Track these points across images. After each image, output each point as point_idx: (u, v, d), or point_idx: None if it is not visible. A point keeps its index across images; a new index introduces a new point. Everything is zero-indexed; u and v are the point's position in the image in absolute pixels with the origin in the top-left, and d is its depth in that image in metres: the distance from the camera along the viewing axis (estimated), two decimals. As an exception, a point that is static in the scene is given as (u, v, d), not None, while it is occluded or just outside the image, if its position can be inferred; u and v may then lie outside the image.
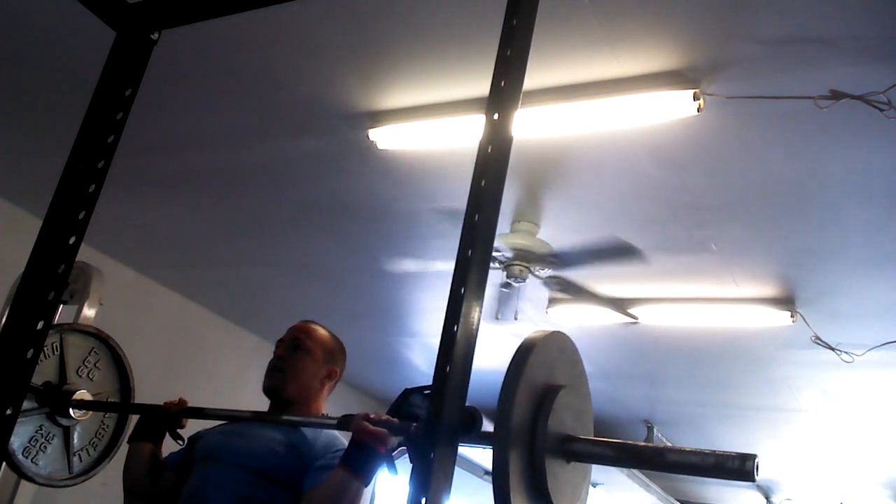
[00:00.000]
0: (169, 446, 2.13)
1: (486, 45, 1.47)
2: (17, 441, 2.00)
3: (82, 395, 2.10)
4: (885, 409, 4.95)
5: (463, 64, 2.62)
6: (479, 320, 1.16)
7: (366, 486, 1.74)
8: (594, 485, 7.36)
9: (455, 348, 1.10)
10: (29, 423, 2.03)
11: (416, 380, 1.91)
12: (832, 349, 4.03)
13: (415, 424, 1.62)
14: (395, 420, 1.65)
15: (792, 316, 3.85)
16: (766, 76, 2.41)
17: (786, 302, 3.83)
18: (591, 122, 2.71)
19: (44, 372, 2.05)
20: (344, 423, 1.73)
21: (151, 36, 1.64)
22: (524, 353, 1.28)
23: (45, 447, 2.06)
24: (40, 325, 1.43)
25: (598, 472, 6.80)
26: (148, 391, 2.36)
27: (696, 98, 2.48)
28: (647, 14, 2.28)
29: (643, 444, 1.38)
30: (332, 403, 2.21)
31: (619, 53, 2.44)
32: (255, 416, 1.97)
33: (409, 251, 4.09)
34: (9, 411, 1.38)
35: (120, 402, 2.25)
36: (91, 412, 2.15)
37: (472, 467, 6.97)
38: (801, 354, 4.33)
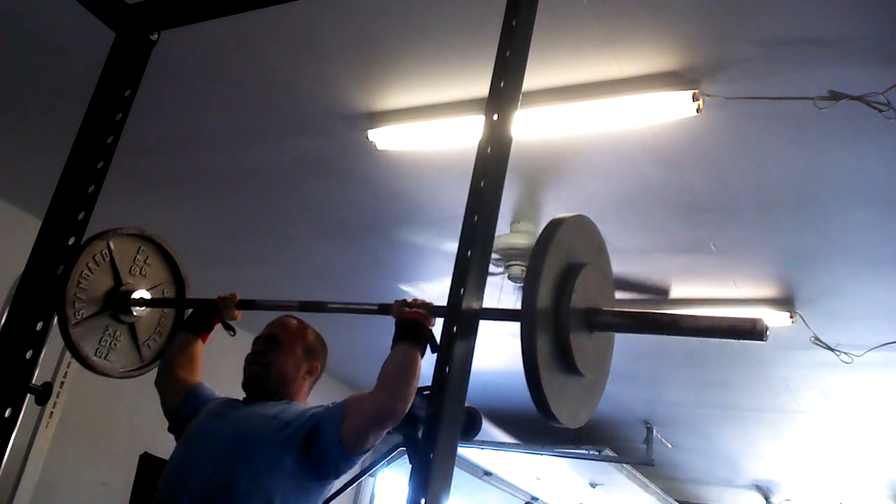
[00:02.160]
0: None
1: (486, 46, 1.47)
2: (88, 346, 2.14)
3: (140, 293, 2.24)
4: (885, 409, 4.95)
5: (462, 64, 2.62)
6: (478, 321, 1.16)
7: (422, 357, 1.83)
8: (593, 485, 7.36)
9: (454, 349, 1.10)
10: (96, 327, 2.17)
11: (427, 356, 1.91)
12: (831, 350, 4.03)
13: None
14: (431, 303, 1.84)
15: (791, 316, 3.85)
16: (766, 77, 2.41)
17: (785, 302, 3.83)
18: (591, 123, 2.71)
19: (98, 278, 2.16)
20: (384, 308, 1.89)
21: (151, 37, 1.64)
22: (549, 233, 1.36)
23: (115, 344, 2.22)
24: (39, 325, 1.43)
25: (598, 472, 6.73)
26: (148, 391, 2.36)
27: (695, 99, 2.48)
28: (647, 15, 2.28)
29: (661, 312, 1.45)
30: (323, 397, 2.19)
31: (619, 54, 2.44)
32: (302, 307, 2.08)
33: (409, 251, 4.09)
34: (8, 412, 1.38)
35: (175, 298, 2.38)
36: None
37: (472, 468, 6.97)
38: (801, 355, 4.32)
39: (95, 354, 2.16)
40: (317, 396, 2.16)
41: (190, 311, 2.33)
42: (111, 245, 2.20)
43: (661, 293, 4.04)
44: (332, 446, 1.89)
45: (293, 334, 2.20)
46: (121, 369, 2.24)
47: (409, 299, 1.88)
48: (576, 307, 1.35)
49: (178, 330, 2.30)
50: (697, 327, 1.43)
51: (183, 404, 2.15)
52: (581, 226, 1.51)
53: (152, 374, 2.27)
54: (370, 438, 1.90)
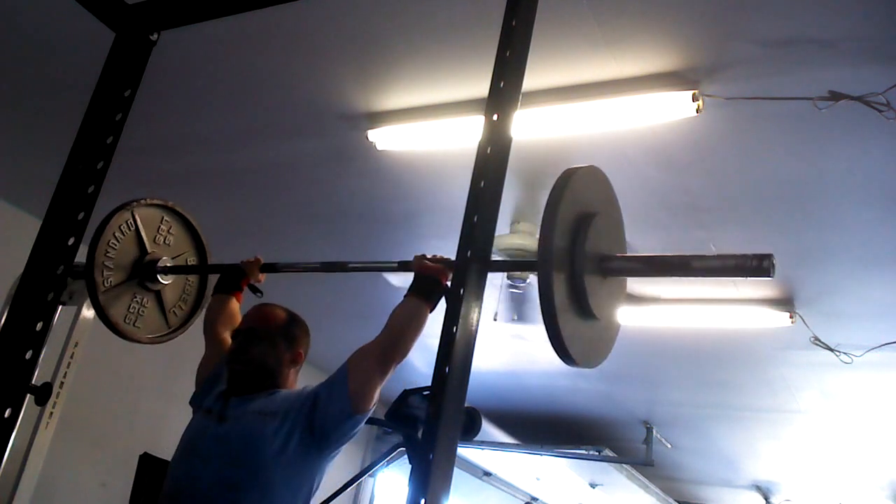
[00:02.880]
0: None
1: (486, 46, 1.47)
2: (116, 313, 2.22)
3: (165, 261, 2.31)
4: (885, 409, 4.95)
5: (462, 65, 2.62)
6: (478, 321, 1.16)
7: (430, 312, 1.90)
8: (593, 485, 7.37)
9: (454, 349, 1.10)
10: (123, 295, 2.24)
11: (416, 381, 1.92)
12: (831, 350, 4.03)
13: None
14: (451, 259, 1.85)
15: (791, 317, 3.85)
16: (765, 77, 2.41)
17: (785, 303, 3.83)
18: (591, 123, 2.71)
19: (124, 247, 2.24)
20: (404, 264, 1.96)
21: (150, 37, 1.64)
22: (563, 183, 1.42)
23: (143, 311, 2.30)
24: (39, 326, 1.43)
25: (598, 473, 6.73)
26: (147, 391, 2.37)
27: (695, 99, 2.48)
28: (646, 15, 2.28)
29: (671, 256, 1.53)
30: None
31: (618, 54, 2.44)
32: (325, 267, 2.21)
33: (409, 252, 4.07)
34: (8, 412, 1.38)
35: (199, 264, 2.45)
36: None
37: (472, 468, 6.97)
38: (800, 355, 4.32)
39: (124, 321, 2.24)
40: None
41: (217, 277, 2.42)
42: (136, 215, 2.27)
43: (660, 293, 4.04)
44: (341, 411, 1.91)
45: (272, 325, 2.15)
46: (148, 335, 2.31)
47: (430, 255, 1.94)
48: (589, 252, 1.42)
49: (212, 295, 2.39)
50: (706, 267, 1.52)
51: (206, 382, 2.20)
52: (594, 176, 1.59)
53: (151, 374, 2.28)
54: (376, 385, 1.95)
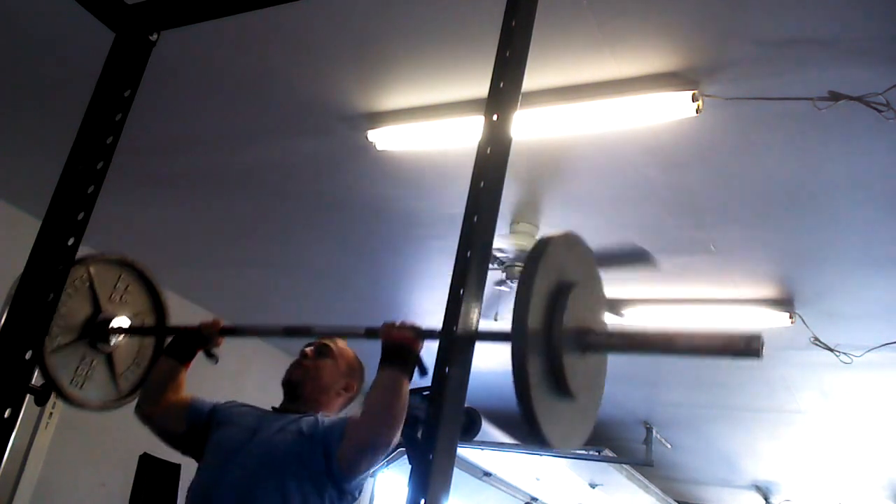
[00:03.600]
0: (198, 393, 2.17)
1: (486, 46, 1.47)
2: (63, 374, 2.06)
3: (119, 321, 2.16)
4: (884, 410, 4.95)
5: (462, 65, 2.62)
6: (478, 321, 1.16)
7: (409, 381, 1.82)
8: (593, 486, 7.36)
9: (454, 349, 1.10)
10: (72, 355, 2.09)
11: (415, 381, 1.91)
12: (831, 350, 4.03)
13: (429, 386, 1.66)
14: (419, 326, 1.80)
15: (791, 317, 3.85)
16: (765, 77, 2.41)
17: (784, 303, 3.83)
18: (590, 124, 2.71)
19: (76, 304, 2.10)
20: (371, 332, 1.85)
21: (150, 37, 1.64)
22: (539, 252, 1.32)
23: (91, 374, 2.13)
24: (39, 326, 1.43)
25: (597, 473, 6.75)
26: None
27: (694, 99, 2.48)
28: (646, 15, 2.28)
29: (654, 332, 1.42)
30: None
31: (618, 54, 2.44)
32: (286, 332, 2.03)
33: (408, 252, 4.09)
34: (8, 413, 1.38)
35: (155, 326, 2.30)
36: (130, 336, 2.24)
37: (471, 468, 6.97)
38: (800, 355, 4.32)
39: (71, 384, 2.08)
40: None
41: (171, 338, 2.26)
42: (91, 271, 2.14)
43: (660, 294, 4.04)
44: (334, 466, 1.93)
45: (341, 350, 2.24)
46: (96, 401, 2.15)
47: (398, 322, 1.85)
48: (568, 327, 1.32)
49: (161, 356, 2.22)
50: (691, 346, 1.39)
51: (189, 422, 2.15)
52: (572, 243, 1.47)
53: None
54: (363, 466, 1.92)
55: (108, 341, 2.15)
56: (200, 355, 2.23)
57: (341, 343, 2.26)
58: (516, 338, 1.22)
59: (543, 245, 1.34)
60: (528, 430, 1.24)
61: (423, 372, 1.81)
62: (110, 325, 2.14)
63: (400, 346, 1.82)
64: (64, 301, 2.03)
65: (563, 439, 1.36)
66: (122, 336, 2.17)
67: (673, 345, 1.39)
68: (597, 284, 1.52)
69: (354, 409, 2.05)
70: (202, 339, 2.17)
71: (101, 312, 2.14)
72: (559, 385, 1.31)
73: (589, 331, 1.39)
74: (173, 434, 2.18)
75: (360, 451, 1.89)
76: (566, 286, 1.36)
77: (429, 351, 1.76)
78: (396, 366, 1.82)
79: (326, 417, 2.07)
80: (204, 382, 2.28)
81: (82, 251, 1.51)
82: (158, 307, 2.32)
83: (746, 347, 1.27)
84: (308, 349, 2.22)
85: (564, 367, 1.30)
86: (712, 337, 1.34)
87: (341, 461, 1.91)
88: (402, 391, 1.81)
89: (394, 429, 1.83)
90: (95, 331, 2.13)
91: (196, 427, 2.14)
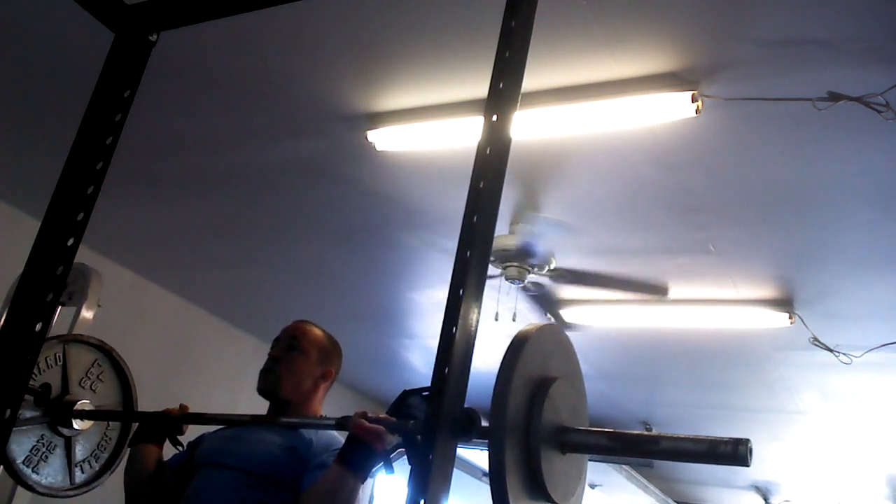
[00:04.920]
0: (168, 452, 2.13)
1: (485, 47, 1.47)
2: (18, 450, 1.99)
3: (83, 405, 2.09)
4: (884, 410, 4.95)
5: (462, 65, 2.62)
6: (477, 321, 1.16)
7: (362, 483, 1.73)
8: (592, 486, 7.36)
9: (454, 350, 1.09)
10: (30, 432, 2.03)
11: (415, 381, 1.91)
12: (830, 350, 4.03)
13: (412, 422, 1.62)
14: (393, 419, 1.66)
15: (790, 317, 3.85)
16: (765, 78, 2.41)
17: (784, 303, 3.83)
18: (590, 124, 2.71)
19: (46, 381, 2.05)
20: (342, 423, 1.73)
21: (150, 37, 1.64)
22: (518, 346, 1.28)
23: (47, 457, 2.06)
24: (38, 326, 1.43)
25: (597, 473, 6.76)
26: (146, 393, 2.36)
27: (694, 100, 2.48)
28: (646, 16, 2.28)
29: (637, 432, 1.39)
30: (330, 405, 2.21)
31: (618, 55, 2.44)
32: (254, 420, 1.97)
33: (408, 252, 4.09)
34: (7, 413, 1.37)
35: (121, 411, 2.24)
36: (93, 423, 2.15)
37: (471, 469, 6.96)
38: (800, 356, 4.33)
39: (23, 462, 2.00)
40: (327, 403, 2.18)
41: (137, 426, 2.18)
42: (66, 350, 2.10)
43: (660, 294, 4.04)
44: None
45: (309, 338, 2.17)
46: (45, 485, 2.06)
47: (371, 413, 1.72)
48: (547, 425, 1.28)
49: (140, 444, 2.12)
50: (676, 450, 1.32)
51: (176, 474, 2.10)
52: (553, 337, 1.43)
53: (151, 365, 2.25)
54: None
55: (70, 425, 2.08)
56: (197, 353, 2.22)
57: (310, 330, 2.19)
58: (494, 431, 1.19)
59: (525, 337, 1.30)
60: None
61: (390, 470, 1.72)
62: (75, 408, 2.07)
63: (363, 443, 1.69)
64: (34, 374, 1.98)
65: None
66: (84, 422, 2.10)
67: (657, 446, 1.34)
68: (578, 380, 1.47)
69: (342, 405, 2.04)
70: (168, 426, 2.08)
71: (68, 394, 2.08)
72: (537, 487, 1.26)
73: (569, 429, 1.34)
74: (166, 490, 2.09)
75: None
76: (546, 382, 1.31)
77: (426, 347, 1.76)
78: (350, 465, 1.71)
79: (322, 440, 2.00)
80: (203, 383, 2.28)
81: (82, 251, 1.51)
82: (128, 401, 2.26)
83: (733, 453, 1.23)
84: (274, 351, 2.15)
85: (543, 469, 1.25)
86: (698, 441, 1.28)
87: None
88: (345, 494, 1.71)
89: None
90: (59, 411, 2.06)
91: (182, 471, 2.08)
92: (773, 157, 2.81)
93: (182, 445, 2.12)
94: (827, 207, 3.03)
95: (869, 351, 3.93)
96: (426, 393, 1.62)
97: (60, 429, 2.07)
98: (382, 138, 3.00)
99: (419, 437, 1.88)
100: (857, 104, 2.38)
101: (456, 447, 1.12)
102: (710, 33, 2.32)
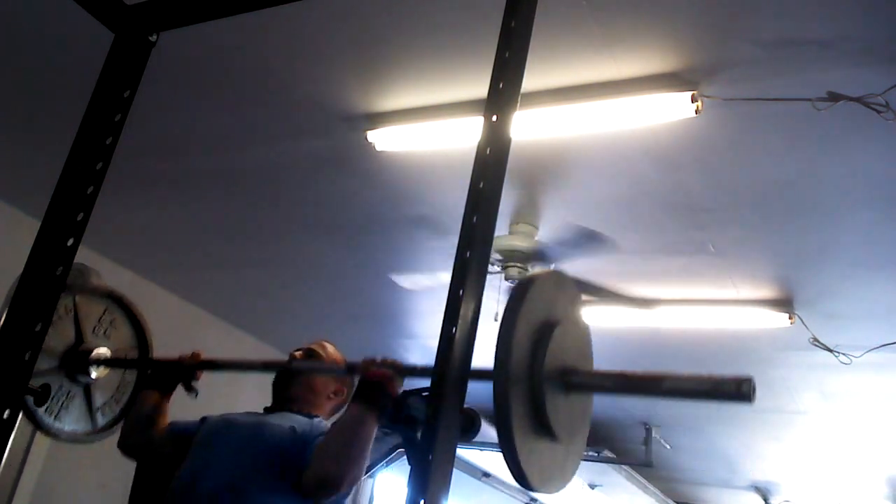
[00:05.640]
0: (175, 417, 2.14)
1: (485, 47, 1.48)
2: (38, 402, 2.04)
3: (99, 353, 2.12)
4: (884, 410, 4.95)
5: (461, 65, 2.62)
6: (477, 321, 1.16)
7: (378, 422, 1.78)
8: (592, 486, 7.36)
9: (453, 350, 1.10)
10: (50, 383, 2.06)
11: (415, 382, 1.91)
12: (830, 351, 4.03)
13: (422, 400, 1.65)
14: (400, 363, 1.76)
15: (790, 318, 3.85)
16: (764, 78, 2.42)
17: (784, 304, 3.83)
18: (590, 124, 2.71)
19: (59, 333, 2.08)
20: (352, 367, 1.85)
21: (150, 38, 1.64)
22: (522, 290, 1.30)
23: (68, 405, 2.10)
24: (38, 327, 1.43)
25: (597, 473, 6.75)
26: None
27: (693, 100, 2.49)
28: (646, 16, 2.28)
29: (641, 373, 1.39)
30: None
31: (618, 55, 2.44)
32: (265, 366, 2.01)
33: (408, 252, 4.09)
34: (7, 413, 1.38)
35: (136, 358, 2.27)
36: (110, 369, 2.19)
37: (471, 469, 6.96)
38: (800, 356, 4.33)
39: (45, 412, 2.06)
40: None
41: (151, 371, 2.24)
42: (77, 301, 2.12)
43: (659, 294, 4.04)
44: (297, 487, 1.88)
45: (329, 354, 2.24)
46: (68, 432, 2.12)
47: (380, 358, 1.81)
48: (551, 367, 1.30)
49: (144, 389, 2.20)
50: (679, 389, 1.36)
51: (175, 443, 2.13)
52: (555, 282, 1.45)
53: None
54: (320, 497, 1.87)
55: (87, 373, 2.11)
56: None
57: (330, 348, 2.25)
58: (498, 376, 1.21)
59: (528, 283, 1.33)
60: (511, 472, 1.22)
61: (395, 419, 1.75)
62: (91, 356, 2.11)
63: (375, 383, 1.77)
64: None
65: (545, 481, 1.33)
66: (102, 368, 2.14)
67: (661, 386, 1.37)
68: (582, 324, 1.49)
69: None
70: (182, 372, 2.15)
71: (82, 343, 2.11)
72: (542, 426, 1.28)
73: (573, 371, 1.37)
74: (162, 456, 2.15)
75: (315, 484, 1.84)
76: (550, 325, 1.34)
77: (426, 346, 1.76)
78: (365, 403, 1.77)
79: (321, 424, 2.05)
80: (203, 383, 2.28)
81: (82, 251, 1.51)
82: (142, 344, 2.29)
83: (737, 391, 1.24)
84: (297, 353, 2.21)
85: (547, 408, 1.28)
86: (701, 380, 1.31)
87: (301, 486, 1.86)
88: (363, 430, 1.77)
89: (347, 469, 1.78)
90: (75, 361, 2.09)
91: (182, 444, 2.11)
92: (772, 158, 2.81)
93: (196, 391, 2.18)
94: (827, 207, 3.04)
95: (869, 351, 3.93)
96: (426, 393, 1.62)
97: (78, 377, 2.11)
98: (382, 138, 3.00)
99: (419, 436, 1.89)
100: (857, 104, 2.38)
101: (456, 447, 1.12)
102: (709, 33, 2.32)
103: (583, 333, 1.48)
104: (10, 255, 2.29)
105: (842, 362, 4.04)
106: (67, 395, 2.10)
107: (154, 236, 4.35)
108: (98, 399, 2.18)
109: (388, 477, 6.57)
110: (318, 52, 2.67)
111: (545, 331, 1.32)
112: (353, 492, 1.92)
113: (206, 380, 2.27)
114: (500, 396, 1.21)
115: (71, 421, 2.12)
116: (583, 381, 1.39)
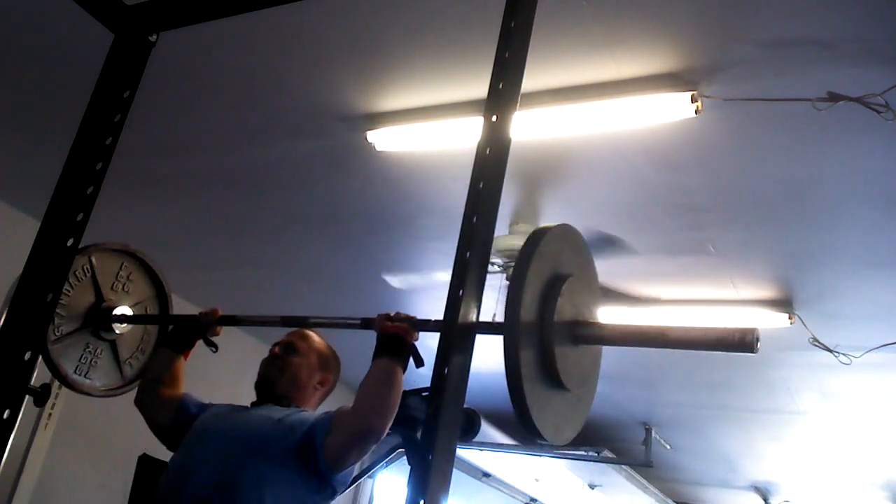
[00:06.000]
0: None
1: (485, 47, 1.48)
2: (67, 363, 2.10)
3: (122, 310, 2.19)
4: (883, 410, 4.95)
5: (461, 66, 2.62)
6: (477, 321, 1.16)
7: (403, 372, 1.82)
8: (592, 486, 7.36)
9: (453, 350, 1.10)
10: (75, 344, 2.13)
11: (415, 382, 1.91)
12: (830, 351, 4.03)
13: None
14: (414, 317, 1.80)
15: (790, 318, 3.85)
16: (764, 78, 2.41)
17: (784, 304, 3.83)
18: (590, 124, 2.71)
19: (79, 294, 2.13)
20: (366, 323, 1.87)
21: (149, 38, 1.64)
22: (532, 244, 1.33)
23: (96, 362, 2.18)
24: (38, 327, 1.43)
25: (597, 473, 6.75)
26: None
27: (693, 100, 2.48)
28: (646, 16, 2.28)
29: (649, 325, 1.43)
30: (332, 405, 2.20)
31: (618, 55, 2.44)
32: (284, 321, 2.02)
33: (408, 253, 4.09)
34: (7, 414, 1.38)
35: (157, 314, 2.33)
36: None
37: (471, 469, 6.96)
38: (799, 356, 4.33)
39: (75, 372, 2.12)
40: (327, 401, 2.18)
41: (171, 327, 2.29)
42: (93, 260, 2.16)
43: (659, 294, 4.04)
44: (319, 459, 1.89)
45: (311, 344, 2.22)
46: (101, 388, 2.19)
47: (392, 313, 1.86)
48: (561, 319, 1.33)
49: (159, 347, 2.27)
50: (685, 339, 1.39)
51: (177, 417, 2.15)
52: (566, 236, 1.47)
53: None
54: (352, 456, 1.90)
55: (111, 329, 2.18)
56: (202, 349, 2.24)
57: (313, 337, 2.23)
58: (508, 328, 1.24)
59: (538, 237, 1.35)
60: (519, 421, 1.25)
61: (419, 363, 1.82)
62: (113, 313, 2.17)
63: (394, 337, 1.82)
64: (66, 291, 2.07)
65: (556, 430, 1.36)
66: (125, 324, 2.20)
67: (667, 338, 1.40)
68: (591, 277, 1.52)
69: (337, 404, 2.04)
70: (201, 328, 2.20)
71: (103, 301, 2.18)
72: (551, 376, 1.31)
73: (582, 322, 1.40)
74: (160, 426, 2.17)
75: (350, 441, 1.87)
76: (560, 278, 1.37)
77: (425, 346, 1.76)
78: (390, 356, 1.82)
79: (312, 413, 2.05)
80: (204, 383, 2.29)
81: (81, 252, 1.51)
82: (161, 294, 2.35)
83: (741, 341, 1.28)
84: (276, 348, 2.19)
85: (556, 358, 1.31)
86: (707, 331, 1.34)
87: (328, 453, 1.88)
88: (395, 381, 1.81)
89: (386, 418, 1.82)
90: (98, 319, 2.16)
91: (182, 422, 2.13)
92: (772, 158, 2.81)
93: (216, 346, 2.26)
94: (827, 208, 3.04)
95: (869, 351, 3.93)
96: (426, 393, 1.63)
97: (103, 334, 2.18)
98: (382, 138, 3.00)
99: (419, 436, 1.88)
100: (857, 104, 2.38)
101: (456, 447, 1.12)
102: (709, 34, 2.32)
103: (591, 285, 1.51)
104: (10, 255, 2.30)
105: (842, 362, 4.04)
106: (95, 352, 2.18)
107: (153, 236, 4.35)
108: (124, 352, 2.25)
109: (388, 477, 6.57)
110: (317, 52, 2.67)
111: (555, 283, 1.35)
112: (353, 492, 1.91)
113: (207, 379, 2.27)
114: (510, 347, 1.22)
115: (101, 376, 2.20)
116: (592, 332, 1.42)
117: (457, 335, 1.10)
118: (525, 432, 1.28)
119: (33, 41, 2.80)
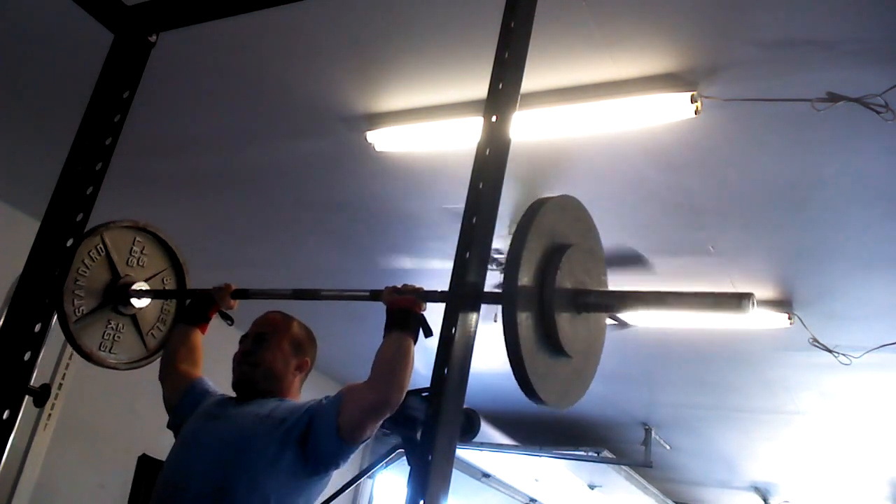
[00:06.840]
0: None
1: (485, 48, 1.48)
2: (91, 341, 2.15)
3: (139, 285, 2.24)
4: (883, 411, 4.95)
5: (461, 66, 2.62)
6: (476, 322, 1.17)
7: (413, 342, 1.85)
8: (592, 486, 7.36)
9: (453, 350, 1.10)
10: (97, 322, 2.18)
11: (415, 382, 1.91)
12: (830, 351, 4.03)
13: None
14: (421, 288, 1.82)
15: (789, 318, 3.85)
16: (764, 78, 2.41)
17: (783, 304, 3.83)
18: (589, 125, 2.71)
19: (96, 273, 2.18)
20: (375, 295, 1.88)
21: (149, 38, 1.64)
22: (532, 213, 1.33)
23: (119, 337, 2.24)
24: (38, 327, 1.43)
25: (597, 473, 6.73)
26: (146, 392, 2.37)
27: (693, 100, 2.48)
28: (645, 16, 2.28)
29: (647, 290, 1.46)
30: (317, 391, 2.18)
31: (617, 56, 2.44)
32: (295, 294, 2.03)
33: (408, 253, 4.09)
34: (6, 414, 1.38)
35: (172, 290, 2.39)
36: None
37: (471, 469, 6.97)
38: (799, 356, 4.32)
39: (99, 349, 2.18)
40: (310, 394, 2.16)
41: (187, 301, 2.34)
42: (105, 239, 2.19)
43: (658, 294, 4.04)
44: (330, 439, 1.89)
45: (280, 330, 2.16)
46: (126, 361, 2.25)
47: (400, 285, 1.88)
48: (561, 287, 1.34)
49: (176, 322, 2.32)
50: (682, 303, 1.45)
51: (181, 402, 2.15)
52: (567, 206, 1.50)
53: (150, 372, 2.27)
54: (367, 429, 1.90)
55: (130, 304, 2.23)
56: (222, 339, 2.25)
57: (279, 321, 2.18)
58: (506, 294, 1.24)
59: (538, 206, 1.36)
60: (521, 387, 1.26)
61: (428, 333, 1.85)
62: (130, 289, 2.22)
63: (403, 309, 1.84)
64: (83, 272, 2.11)
65: (558, 396, 1.36)
66: (143, 298, 2.25)
67: (666, 303, 1.44)
68: (594, 246, 1.54)
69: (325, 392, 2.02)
70: (214, 302, 2.25)
71: (120, 277, 2.22)
72: (552, 343, 1.32)
73: (584, 291, 1.41)
74: (169, 404, 2.18)
75: (367, 415, 1.88)
76: (561, 247, 1.37)
77: (427, 352, 1.76)
78: (401, 328, 1.84)
79: (303, 403, 2.03)
80: (210, 369, 2.28)
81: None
82: (177, 265, 2.40)
83: (737, 304, 1.33)
84: (246, 343, 2.14)
85: (557, 326, 1.31)
86: (703, 295, 1.39)
87: (344, 431, 1.88)
88: (407, 352, 1.84)
89: (401, 391, 1.85)
90: (117, 295, 2.20)
91: (185, 407, 2.12)
92: (772, 158, 2.81)
93: (231, 319, 2.30)
94: (826, 208, 3.03)
95: (868, 351, 3.93)
96: (426, 393, 1.63)
97: (123, 310, 2.23)
98: (382, 139, 3.00)
99: (419, 437, 1.88)
100: (857, 105, 2.38)
101: (456, 447, 1.12)
102: (709, 34, 2.32)
103: (594, 254, 1.52)
104: (9, 255, 2.30)
105: (841, 363, 4.04)
106: (117, 327, 2.23)
107: (154, 236, 4.35)
108: (146, 324, 2.30)
109: (388, 477, 6.57)
110: (317, 53, 2.67)
111: (556, 252, 1.36)
112: (353, 492, 1.92)
113: (207, 378, 2.26)
114: (508, 318, 1.23)
115: (125, 350, 2.25)
116: (593, 300, 1.44)
117: (457, 336, 1.10)
118: (527, 397, 1.28)
119: (33, 41, 2.80)
